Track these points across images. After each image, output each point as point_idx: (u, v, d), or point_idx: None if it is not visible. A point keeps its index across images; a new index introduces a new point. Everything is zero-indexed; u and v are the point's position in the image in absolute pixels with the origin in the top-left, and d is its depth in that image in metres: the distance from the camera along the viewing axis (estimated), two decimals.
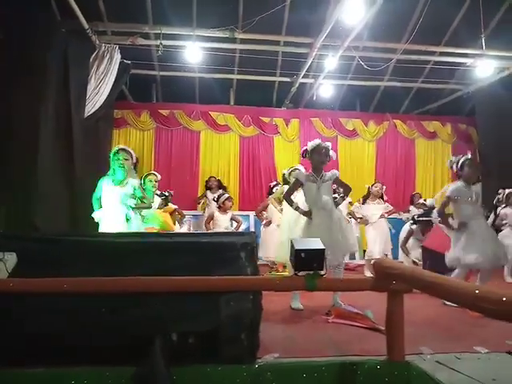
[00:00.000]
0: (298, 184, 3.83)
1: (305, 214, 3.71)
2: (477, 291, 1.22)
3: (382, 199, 6.17)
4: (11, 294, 1.92)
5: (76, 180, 5.27)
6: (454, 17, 6.80)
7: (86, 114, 5.80)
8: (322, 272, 1.96)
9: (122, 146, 4.10)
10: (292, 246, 1.99)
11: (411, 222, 5.34)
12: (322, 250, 1.98)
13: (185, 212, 7.77)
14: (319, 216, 3.60)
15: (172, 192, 6.04)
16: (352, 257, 6.66)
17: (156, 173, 5.20)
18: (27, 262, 2.16)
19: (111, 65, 6.10)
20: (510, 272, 5.38)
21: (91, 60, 5.97)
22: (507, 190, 5.52)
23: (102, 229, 3.84)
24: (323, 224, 3.55)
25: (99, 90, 5.94)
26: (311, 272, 1.96)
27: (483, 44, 6.31)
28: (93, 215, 3.90)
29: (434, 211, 4.83)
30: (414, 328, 2.63)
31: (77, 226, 5.00)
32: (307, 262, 1.97)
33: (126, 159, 3.92)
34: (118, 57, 6.19)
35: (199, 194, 8.29)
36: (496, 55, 6.82)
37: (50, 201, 4.72)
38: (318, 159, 3.72)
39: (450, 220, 4.03)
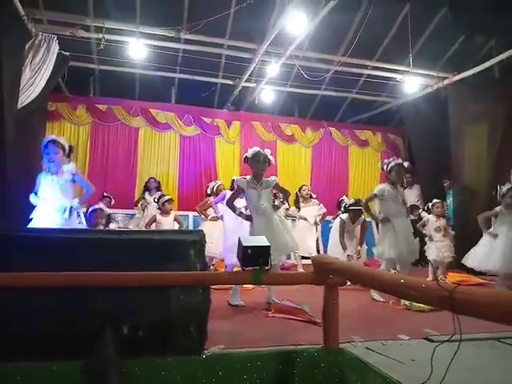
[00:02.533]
0: (239, 191, 3.99)
1: (247, 218, 3.88)
2: (402, 280, 1.43)
3: (314, 199, 6.62)
4: None
5: (7, 177, 4.99)
6: (385, 35, 7.37)
7: (20, 105, 5.50)
8: (267, 267, 2.12)
9: (51, 138, 3.89)
10: (240, 243, 2.12)
11: (341, 211, 5.66)
12: (268, 247, 2.13)
13: (120, 211, 7.69)
14: (260, 221, 3.77)
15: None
16: (288, 257, 6.96)
17: None
18: None
19: (48, 55, 5.83)
20: (431, 273, 5.95)
21: (26, 49, 5.67)
22: (434, 200, 6.08)
23: (36, 223, 3.69)
24: (264, 228, 3.72)
25: (34, 80, 5.65)
26: (257, 267, 2.10)
27: (411, 62, 6.92)
28: (31, 199, 3.72)
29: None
30: (347, 319, 2.87)
31: (9, 222, 4.74)
32: (254, 257, 2.11)
33: (56, 153, 3.77)
34: (55, 47, 5.93)
35: (136, 193, 8.15)
36: (421, 73, 7.49)
37: None
38: (257, 166, 3.90)
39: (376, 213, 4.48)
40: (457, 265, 5.81)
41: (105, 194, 7.14)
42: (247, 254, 2.11)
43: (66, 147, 3.88)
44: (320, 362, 2.16)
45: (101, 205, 5.21)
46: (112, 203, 7.04)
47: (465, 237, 5.89)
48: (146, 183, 7.68)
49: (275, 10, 6.26)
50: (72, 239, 2.28)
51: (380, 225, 4.49)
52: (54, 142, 3.77)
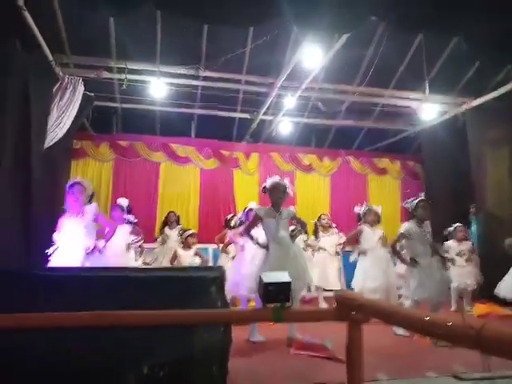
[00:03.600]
0: (257, 219, 4.00)
1: (264, 247, 3.88)
2: (426, 318, 1.40)
3: (334, 228, 6.53)
4: None
5: (33, 216, 5.13)
6: (400, 63, 7.44)
7: (46, 145, 5.72)
8: (288, 303, 2.10)
9: (77, 180, 4.06)
10: (261, 280, 2.12)
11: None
12: (289, 283, 2.12)
13: (144, 245, 7.73)
14: (277, 250, 3.77)
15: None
16: (308, 289, 6.84)
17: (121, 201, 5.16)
18: None
19: (74, 97, 6.10)
20: (455, 302, 5.78)
21: (54, 91, 5.95)
22: (455, 225, 5.97)
23: (58, 262, 3.76)
24: (280, 258, 3.72)
25: (61, 121, 5.90)
26: (278, 304, 2.09)
27: (427, 89, 6.94)
28: (54, 238, 3.82)
29: None
30: (371, 355, 2.80)
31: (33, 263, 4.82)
32: (275, 294, 2.10)
33: (81, 193, 3.91)
34: (81, 89, 6.21)
35: (157, 227, 8.23)
36: (437, 100, 7.49)
37: (7, 238, 4.56)
38: (276, 196, 3.93)
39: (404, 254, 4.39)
40: (482, 294, 5.65)
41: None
42: (268, 290, 2.11)
43: (90, 190, 4.02)
44: None
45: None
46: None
47: (490, 265, 5.72)
48: (166, 217, 7.75)
49: (289, 44, 6.45)
50: (94, 277, 2.32)
51: (406, 266, 4.39)
52: (79, 183, 3.93)
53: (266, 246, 3.85)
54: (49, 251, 3.80)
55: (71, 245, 3.74)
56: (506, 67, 7.21)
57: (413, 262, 4.17)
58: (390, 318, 1.71)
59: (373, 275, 4.94)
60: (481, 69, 7.44)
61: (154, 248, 7.74)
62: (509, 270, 4.84)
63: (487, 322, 1.18)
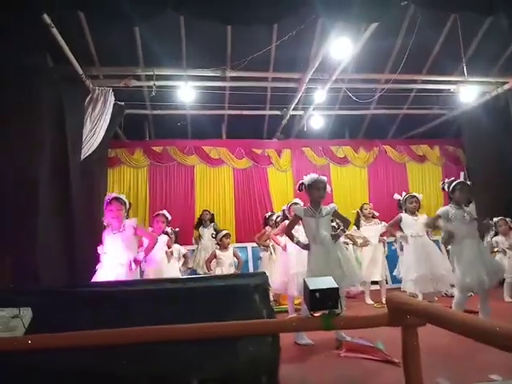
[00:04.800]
0: (297, 219, 3.90)
1: (304, 247, 3.77)
2: (497, 328, 1.27)
3: (376, 218, 6.29)
4: (29, 351, 1.92)
5: (75, 230, 5.26)
6: (433, 45, 7.10)
7: (83, 157, 5.85)
8: (338, 310, 1.99)
9: (115, 195, 4.04)
10: (306, 286, 2.03)
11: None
12: (336, 289, 2.01)
13: (182, 248, 7.78)
14: (318, 250, 3.66)
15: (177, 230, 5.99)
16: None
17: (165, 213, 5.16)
18: (41, 317, 2.16)
19: (105, 107, 6.21)
20: (509, 292, 5.46)
21: (86, 103, 6.08)
22: (495, 219, 5.65)
23: (101, 277, 3.80)
24: (321, 259, 3.61)
25: (95, 132, 6.02)
26: (327, 311, 1.99)
27: (465, 70, 6.59)
28: (99, 251, 3.89)
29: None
30: (429, 358, 2.65)
31: (75, 276, 4.93)
32: (322, 301, 2.00)
33: (120, 210, 3.92)
34: (111, 99, 6.31)
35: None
36: (476, 81, 7.10)
37: (50, 251, 4.68)
38: (316, 194, 3.80)
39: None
40: None
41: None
42: (315, 297, 2.01)
43: (127, 204, 4.04)
44: None
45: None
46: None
47: None
48: (200, 216, 7.78)
49: (316, 37, 6.29)
50: (136, 291, 2.31)
51: (449, 249, 4.18)
52: (117, 199, 3.95)
53: (307, 246, 3.75)
54: (97, 267, 3.86)
55: (113, 261, 3.78)
56: None
57: (450, 238, 3.93)
58: (451, 325, 1.58)
59: (416, 265, 4.70)
60: None
61: (193, 250, 7.81)
62: None
63: None
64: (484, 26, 6.78)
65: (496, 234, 5.68)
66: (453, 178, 4.28)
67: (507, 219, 5.72)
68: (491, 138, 7.59)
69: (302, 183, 3.93)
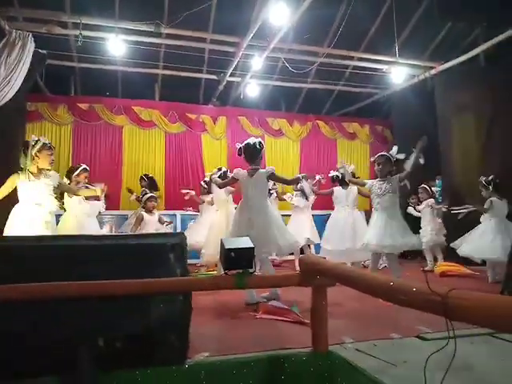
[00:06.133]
0: (233, 180, 4.02)
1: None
2: (391, 283, 1.34)
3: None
4: None
5: None
6: (370, 25, 7.28)
7: None
8: (251, 270, 2.01)
9: (47, 141, 3.87)
10: (222, 245, 2.01)
11: None
12: (252, 249, 2.02)
13: (107, 212, 7.44)
14: (247, 211, 3.77)
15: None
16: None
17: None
18: None
19: (24, 53, 5.60)
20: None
21: (0, 47, 5.46)
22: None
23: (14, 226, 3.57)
24: (249, 219, 3.71)
25: (10, 80, 5.45)
26: (241, 270, 1.99)
27: (397, 52, 6.84)
28: None
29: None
30: (336, 319, 2.80)
31: None
32: (237, 260, 2.00)
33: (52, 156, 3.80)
34: (31, 45, 5.69)
35: (122, 193, 7.95)
36: (407, 63, 7.41)
37: None
38: (251, 157, 3.87)
39: None
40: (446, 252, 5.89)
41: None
42: (230, 256, 2.00)
43: None
44: (309, 367, 2.07)
45: None
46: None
47: (454, 228, 5.89)
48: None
49: (258, 1, 6.14)
50: (43, 247, 2.15)
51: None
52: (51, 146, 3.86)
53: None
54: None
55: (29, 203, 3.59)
56: (475, 31, 7.18)
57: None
58: (355, 283, 1.65)
59: (338, 236, 4.98)
60: (450, 33, 7.39)
61: (121, 215, 7.49)
62: (469, 231, 4.99)
63: (452, 288, 1.11)
64: (418, 12, 7.05)
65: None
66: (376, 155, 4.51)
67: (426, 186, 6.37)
68: (417, 120, 8.02)
69: (240, 148, 3.94)
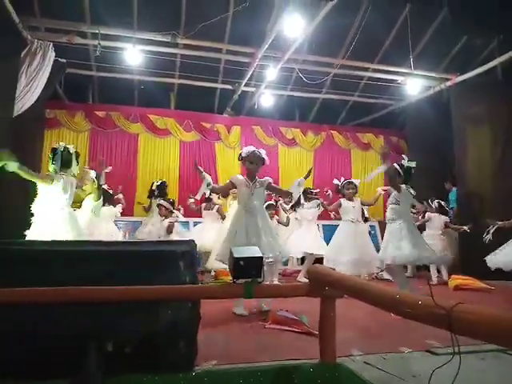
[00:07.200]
0: (231, 186, 4.03)
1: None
2: (397, 296, 1.33)
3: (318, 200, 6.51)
4: None
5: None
6: (386, 37, 7.28)
7: (16, 113, 5.44)
8: (260, 279, 2.01)
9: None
10: (231, 254, 2.03)
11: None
12: (261, 258, 2.03)
13: (122, 219, 7.53)
14: (245, 218, 3.77)
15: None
16: (285, 263, 6.79)
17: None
18: None
19: (44, 63, 5.77)
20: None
21: (22, 56, 5.62)
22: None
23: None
24: (246, 226, 3.71)
25: (30, 88, 5.60)
26: (249, 279, 2.00)
27: (412, 63, 6.82)
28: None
29: None
30: (345, 331, 2.77)
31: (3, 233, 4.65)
32: (246, 269, 2.01)
33: None
34: (51, 54, 5.87)
35: (136, 200, 8.04)
36: (423, 74, 7.39)
37: None
38: (250, 167, 3.88)
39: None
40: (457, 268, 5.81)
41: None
42: (239, 265, 2.01)
43: None
44: (316, 378, 2.05)
45: None
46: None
47: (469, 241, 5.79)
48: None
49: (273, 13, 6.21)
50: (56, 251, 2.19)
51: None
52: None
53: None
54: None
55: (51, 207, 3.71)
56: (492, 43, 7.12)
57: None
58: (362, 294, 1.65)
59: (347, 248, 4.95)
60: (467, 44, 7.36)
61: (135, 222, 7.58)
62: (486, 245, 4.84)
63: (459, 302, 1.11)
64: (434, 23, 7.04)
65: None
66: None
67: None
68: (432, 132, 7.97)
69: (240, 154, 3.98)
